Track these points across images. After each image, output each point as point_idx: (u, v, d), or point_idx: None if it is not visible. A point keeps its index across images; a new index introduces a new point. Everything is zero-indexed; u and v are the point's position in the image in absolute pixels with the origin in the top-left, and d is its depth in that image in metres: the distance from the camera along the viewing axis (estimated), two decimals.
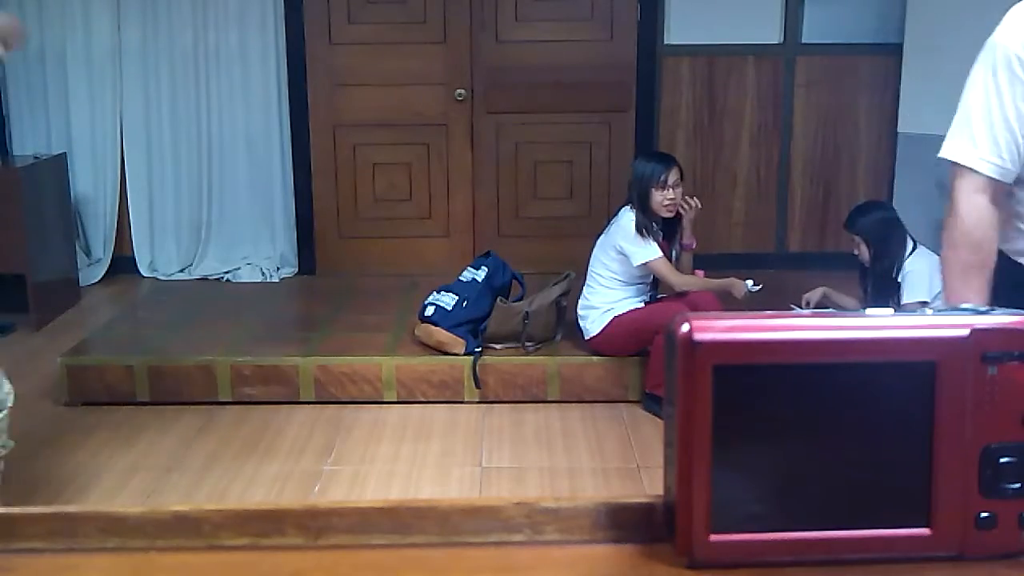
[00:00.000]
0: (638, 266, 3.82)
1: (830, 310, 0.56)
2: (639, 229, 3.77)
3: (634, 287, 3.91)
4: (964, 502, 0.53)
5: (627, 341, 3.87)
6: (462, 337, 4.00)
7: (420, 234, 5.55)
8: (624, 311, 3.86)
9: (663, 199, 3.81)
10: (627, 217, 3.84)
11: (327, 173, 5.48)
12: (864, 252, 3.85)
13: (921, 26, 4.91)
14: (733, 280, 3.85)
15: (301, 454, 3.55)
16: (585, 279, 4.00)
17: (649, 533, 0.56)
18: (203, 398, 3.95)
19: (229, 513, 0.56)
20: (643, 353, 3.88)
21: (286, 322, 4.78)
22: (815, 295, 4.00)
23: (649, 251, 3.79)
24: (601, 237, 3.98)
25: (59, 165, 5.12)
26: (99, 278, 5.44)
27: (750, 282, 3.79)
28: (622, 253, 3.83)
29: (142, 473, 3.39)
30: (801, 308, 3.95)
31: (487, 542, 0.55)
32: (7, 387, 2.46)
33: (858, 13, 5.32)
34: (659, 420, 3.74)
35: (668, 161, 3.89)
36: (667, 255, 3.88)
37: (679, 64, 5.39)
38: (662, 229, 3.89)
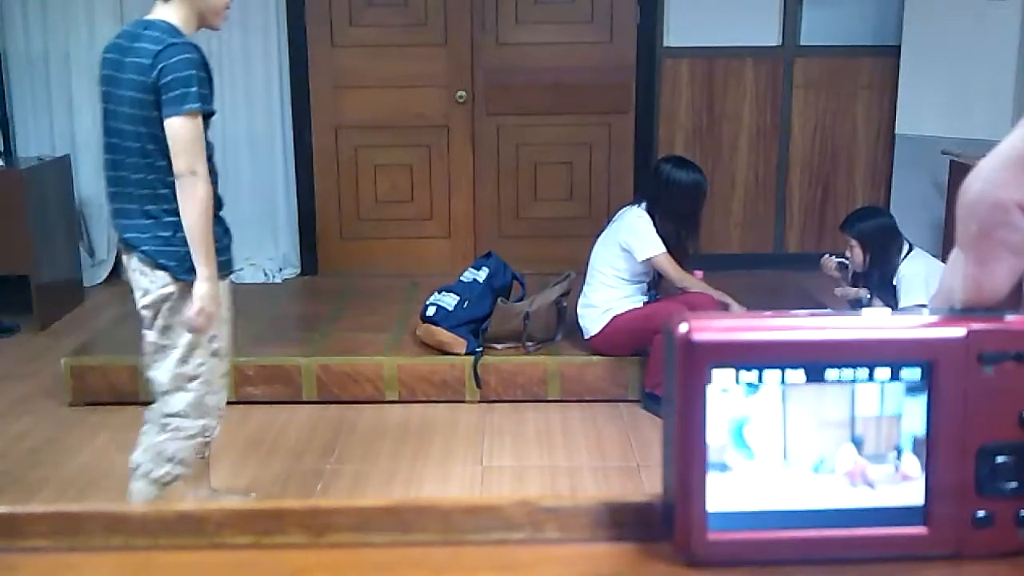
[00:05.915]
0: (642, 262, 3.83)
1: (828, 310, 0.56)
2: (662, 234, 3.79)
3: (635, 285, 3.92)
4: (961, 501, 0.54)
5: (626, 340, 3.88)
6: (463, 337, 4.00)
7: (421, 235, 5.56)
8: (623, 311, 3.87)
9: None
10: (636, 214, 3.85)
11: (329, 174, 5.48)
12: (857, 255, 3.78)
13: (919, 28, 4.92)
14: (731, 301, 3.88)
15: (303, 453, 3.56)
16: (585, 278, 4.01)
17: (649, 531, 0.57)
18: None
19: (232, 512, 0.56)
20: (643, 353, 3.89)
21: (288, 322, 4.79)
22: (832, 264, 3.99)
23: (654, 246, 3.80)
24: (603, 235, 3.99)
25: (63, 167, 5.13)
26: (103, 279, 5.45)
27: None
28: (626, 249, 3.84)
29: None
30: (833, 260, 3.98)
31: (488, 540, 0.56)
32: None
33: (856, 15, 5.32)
34: (659, 419, 3.75)
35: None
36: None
37: (678, 66, 5.40)
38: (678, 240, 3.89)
